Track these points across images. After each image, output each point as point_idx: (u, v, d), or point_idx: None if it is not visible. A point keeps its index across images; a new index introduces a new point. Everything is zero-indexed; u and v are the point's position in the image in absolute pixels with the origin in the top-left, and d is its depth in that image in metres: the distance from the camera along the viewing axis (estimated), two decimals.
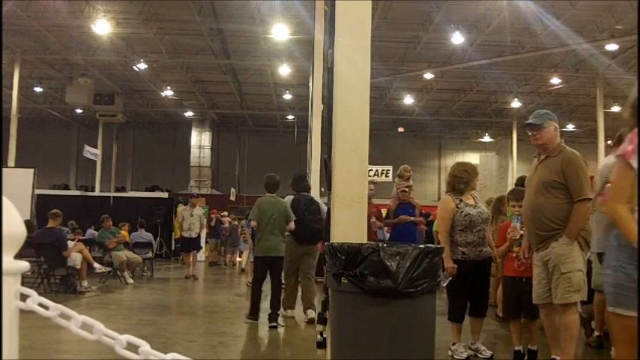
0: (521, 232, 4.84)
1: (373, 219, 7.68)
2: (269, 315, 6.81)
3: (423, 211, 9.01)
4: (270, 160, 28.38)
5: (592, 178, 5.81)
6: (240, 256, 16.40)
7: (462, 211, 5.13)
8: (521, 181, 6.13)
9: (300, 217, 7.20)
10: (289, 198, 7.50)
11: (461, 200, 5.21)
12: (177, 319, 7.97)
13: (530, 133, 4.52)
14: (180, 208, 16.10)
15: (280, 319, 6.93)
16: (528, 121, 4.53)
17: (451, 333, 5.23)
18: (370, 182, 7.59)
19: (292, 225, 7.11)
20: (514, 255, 4.95)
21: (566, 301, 4.18)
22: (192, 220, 13.52)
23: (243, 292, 10.54)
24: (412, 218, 7.79)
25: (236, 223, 17.45)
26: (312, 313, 6.93)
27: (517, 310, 4.94)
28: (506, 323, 5.92)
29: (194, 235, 13.57)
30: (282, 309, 7.18)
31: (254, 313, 7.04)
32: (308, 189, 8.01)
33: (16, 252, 1.48)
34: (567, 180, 4.25)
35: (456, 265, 5.02)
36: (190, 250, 13.62)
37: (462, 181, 5.29)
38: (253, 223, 7.42)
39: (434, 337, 3.14)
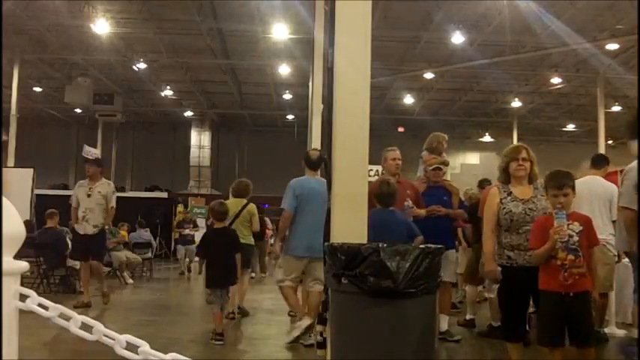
0: (569, 231, 3.70)
1: (408, 202, 5.57)
2: None
3: (463, 200, 6.63)
4: (270, 160, 28.32)
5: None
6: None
7: (504, 208, 4.26)
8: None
9: None
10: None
11: (509, 193, 4.31)
12: (176, 320, 7.97)
13: None
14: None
15: None
16: None
17: (508, 355, 4.14)
18: (396, 158, 6.07)
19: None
20: (559, 263, 3.72)
21: None
22: (89, 203, 8.07)
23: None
24: (447, 210, 5.80)
25: None
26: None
27: (561, 336, 3.74)
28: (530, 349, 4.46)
29: (90, 231, 7.97)
30: None
31: None
32: None
33: (16, 252, 1.48)
34: None
35: (498, 269, 4.20)
36: (84, 258, 8.14)
37: (500, 169, 4.46)
38: None
39: (434, 337, 3.14)
